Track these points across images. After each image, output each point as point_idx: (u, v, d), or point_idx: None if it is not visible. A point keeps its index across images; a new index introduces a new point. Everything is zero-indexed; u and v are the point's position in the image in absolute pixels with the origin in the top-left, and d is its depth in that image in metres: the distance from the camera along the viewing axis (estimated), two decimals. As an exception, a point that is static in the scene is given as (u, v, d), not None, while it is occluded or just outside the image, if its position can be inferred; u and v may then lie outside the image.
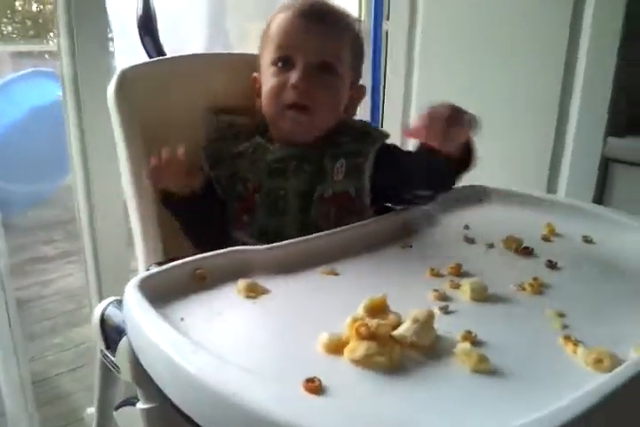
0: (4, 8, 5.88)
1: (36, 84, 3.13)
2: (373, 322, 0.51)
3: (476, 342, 0.53)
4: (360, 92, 0.94)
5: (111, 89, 0.81)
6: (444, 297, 0.62)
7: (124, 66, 0.82)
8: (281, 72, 0.84)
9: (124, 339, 0.63)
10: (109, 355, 0.67)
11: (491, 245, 0.77)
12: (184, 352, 0.48)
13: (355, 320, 0.51)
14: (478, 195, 0.94)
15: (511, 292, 0.65)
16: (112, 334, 0.67)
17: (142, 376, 0.56)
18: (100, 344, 0.69)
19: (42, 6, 6.07)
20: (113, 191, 1.21)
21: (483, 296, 0.62)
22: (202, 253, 0.66)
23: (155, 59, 0.92)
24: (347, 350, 0.50)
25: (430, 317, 0.53)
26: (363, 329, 0.50)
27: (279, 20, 0.86)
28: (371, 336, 0.50)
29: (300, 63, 0.83)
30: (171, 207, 0.84)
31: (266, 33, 0.88)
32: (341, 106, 0.88)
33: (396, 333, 0.51)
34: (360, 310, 0.54)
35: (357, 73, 0.91)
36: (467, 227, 0.83)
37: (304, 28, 0.84)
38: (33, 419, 1.34)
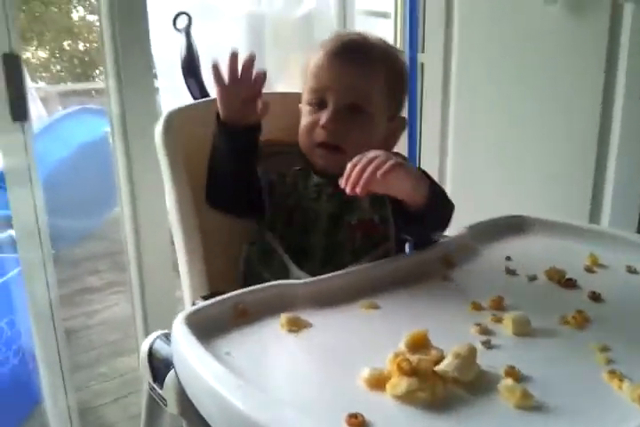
0: (52, 48, 6.19)
1: (84, 122, 3.26)
2: (415, 357, 0.51)
3: (519, 378, 0.53)
4: (400, 123, 0.95)
5: (158, 130, 0.85)
6: (486, 331, 0.62)
7: (171, 108, 0.86)
8: (314, 111, 0.87)
9: (172, 372, 0.65)
10: (156, 388, 0.69)
11: (533, 277, 0.77)
12: (231, 387, 0.49)
13: (396, 355, 0.52)
14: (519, 225, 0.94)
15: (554, 325, 0.64)
16: (159, 367, 0.69)
17: (189, 409, 0.58)
18: (148, 377, 0.71)
19: (88, 45, 6.37)
20: (159, 223, 1.25)
21: (525, 330, 0.62)
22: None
23: (200, 100, 0.95)
24: (389, 386, 0.50)
25: (473, 352, 0.53)
26: (404, 364, 0.50)
27: (314, 61, 0.88)
28: (413, 372, 0.50)
29: (331, 104, 0.85)
30: (224, 137, 0.83)
31: (304, 71, 0.91)
32: (376, 141, 0.89)
33: (438, 368, 0.52)
34: (401, 345, 0.55)
35: (397, 105, 0.93)
36: (508, 258, 0.83)
37: (335, 69, 0.85)
38: None
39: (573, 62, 1.35)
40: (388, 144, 0.92)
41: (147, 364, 0.70)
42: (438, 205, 0.79)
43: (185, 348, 0.57)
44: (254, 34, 1.85)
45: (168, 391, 0.66)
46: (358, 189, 0.69)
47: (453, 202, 0.85)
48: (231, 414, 0.48)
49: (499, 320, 0.64)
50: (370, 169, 0.69)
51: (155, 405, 0.73)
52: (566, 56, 1.36)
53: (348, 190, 0.70)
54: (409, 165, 0.77)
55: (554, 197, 1.40)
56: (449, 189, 1.54)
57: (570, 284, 0.75)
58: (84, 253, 3.15)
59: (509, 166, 1.50)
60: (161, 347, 0.70)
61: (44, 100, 4.03)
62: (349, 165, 0.71)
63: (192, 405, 0.56)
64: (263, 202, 0.89)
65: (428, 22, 1.64)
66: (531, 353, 0.59)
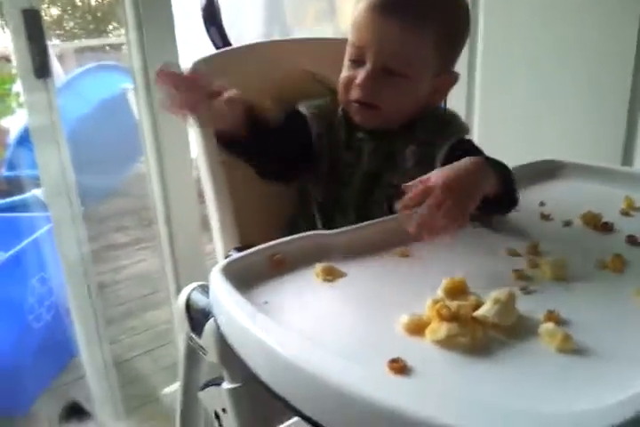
0: (64, 4, 6.08)
1: (101, 78, 3.23)
2: (454, 303, 0.51)
3: (559, 322, 0.53)
4: (449, 79, 0.87)
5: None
6: (523, 277, 0.62)
7: (197, 57, 0.84)
8: (352, 67, 0.83)
9: (211, 321, 0.66)
10: (195, 337, 0.71)
11: (568, 222, 0.76)
12: (274, 335, 0.50)
13: (435, 302, 0.52)
14: (552, 170, 0.92)
15: (592, 270, 0.63)
16: (197, 317, 0.71)
17: (229, 357, 0.59)
18: (186, 327, 0.73)
19: (100, 0, 6.24)
20: (186, 178, 1.25)
21: (563, 275, 0.61)
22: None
23: (225, 49, 0.93)
24: (428, 331, 0.51)
25: (511, 297, 0.53)
26: (444, 310, 0.50)
27: (357, 13, 0.83)
28: (452, 317, 0.50)
29: (368, 64, 0.81)
30: (229, 148, 0.80)
31: (351, 22, 0.85)
32: (414, 99, 0.84)
33: (477, 313, 0.52)
34: (439, 292, 0.55)
35: (447, 60, 0.85)
36: (542, 203, 0.81)
37: (374, 28, 0.80)
38: (116, 400, 1.41)
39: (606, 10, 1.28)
40: (432, 99, 0.86)
41: (184, 314, 0.72)
42: (508, 183, 0.74)
43: (224, 296, 0.58)
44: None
45: (207, 340, 0.68)
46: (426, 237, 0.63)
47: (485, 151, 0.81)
48: (275, 360, 0.49)
49: (535, 266, 0.64)
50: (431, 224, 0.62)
51: (193, 354, 0.76)
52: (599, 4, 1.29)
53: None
54: (464, 167, 0.68)
55: (585, 140, 1.37)
56: (476, 136, 1.52)
57: (606, 228, 0.73)
58: (108, 210, 3.18)
59: (539, 110, 1.46)
60: (198, 298, 0.71)
61: (60, 58, 3.99)
62: (401, 206, 0.65)
63: (232, 352, 0.57)
64: (310, 163, 0.86)
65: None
66: (570, 298, 0.58)
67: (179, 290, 1.30)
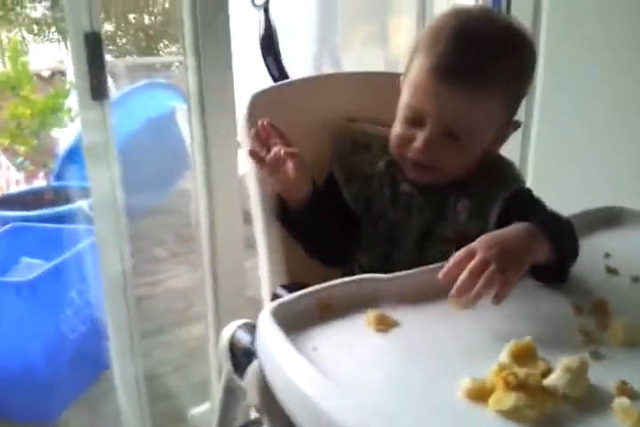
0: (119, 21, 6.28)
1: (151, 96, 3.29)
2: (522, 371, 0.47)
3: (633, 395, 0.49)
4: (511, 128, 0.82)
5: (242, 114, 0.83)
6: (592, 339, 0.57)
7: (256, 90, 0.83)
8: (408, 126, 0.78)
9: (255, 364, 0.63)
10: (236, 378, 0.68)
11: (636, 278, 0.71)
12: (322, 393, 0.47)
13: (501, 368, 0.48)
14: (616, 218, 0.87)
15: (668, 335, 0.59)
16: (240, 357, 0.68)
17: (270, 403, 0.57)
18: (228, 366, 0.70)
19: (153, 18, 6.44)
20: (232, 201, 1.25)
21: (636, 340, 0.57)
22: (331, 271, 0.66)
23: (283, 82, 0.92)
24: (493, 401, 0.47)
25: (584, 366, 0.49)
26: (511, 378, 0.47)
27: (418, 72, 0.76)
28: (520, 386, 0.46)
29: (428, 128, 0.75)
30: (286, 222, 0.82)
31: (409, 80, 0.78)
32: (475, 158, 0.80)
33: (547, 383, 0.48)
34: (505, 356, 0.51)
35: (512, 114, 0.81)
36: (607, 255, 0.77)
37: (441, 93, 0.74)
38: (145, 416, 1.39)
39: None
40: (491, 149, 0.82)
41: (228, 353, 0.69)
42: (566, 250, 0.69)
43: (272, 342, 0.55)
44: (326, 9, 1.80)
45: (249, 382, 0.65)
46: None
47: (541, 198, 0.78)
48: (317, 415, 0.47)
49: (604, 327, 0.59)
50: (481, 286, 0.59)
51: (232, 394, 0.73)
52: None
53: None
54: (513, 236, 0.65)
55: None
56: (530, 177, 1.45)
57: (680, 288, 0.68)
58: (151, 225, 3.23)
59: (602, 151, 1.39)
60: (242, 337, 0.69)
61: (112, 74, 4.10)
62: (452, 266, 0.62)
63: (273, 398, 0.54)
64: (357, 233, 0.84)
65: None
66: (644, 367, 0.54)
67: (217, 307, 1.32)
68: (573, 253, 0.71)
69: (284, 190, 0.79)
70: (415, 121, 0.77)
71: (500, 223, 0.76)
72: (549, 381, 0.48)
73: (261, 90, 0.85)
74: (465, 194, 0.81)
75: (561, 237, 0.68)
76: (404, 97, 0.79)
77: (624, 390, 0.49)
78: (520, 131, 1.49)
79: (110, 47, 6.24)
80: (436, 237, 0.81)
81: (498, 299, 0.59)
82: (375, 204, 0.83)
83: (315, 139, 0.88)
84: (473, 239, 0.72)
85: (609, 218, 0.87)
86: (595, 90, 1.40)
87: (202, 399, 1.55)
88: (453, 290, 0.60)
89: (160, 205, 3.31)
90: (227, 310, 1.33)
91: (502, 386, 0.47)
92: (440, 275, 0.61)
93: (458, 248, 0.64)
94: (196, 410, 1.52)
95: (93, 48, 1.03)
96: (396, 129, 0.80)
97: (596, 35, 1.39)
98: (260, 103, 0.82)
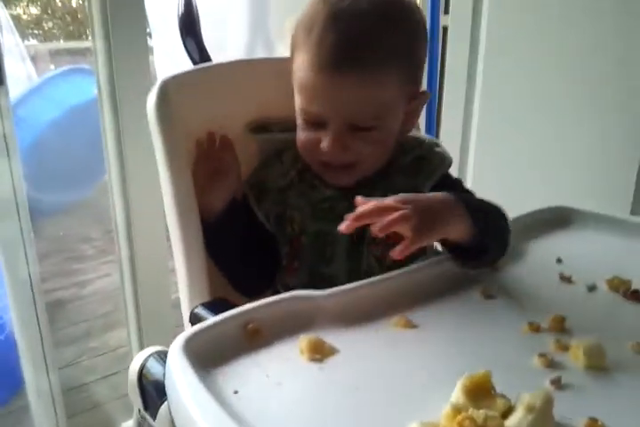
0: (44, 4, 5.91)
1: (75, 82, 3.09)
2: (480, 414, 0.40)
3: (604, 433, 0.42)
4: (420, 102, 0.76)
5: (151, 102, 0.71)
6: (552, 364, 0.51)
7: (166, 75, 0.72)
8: (312, 129, 0.71)
9: (166, 405, 0.54)
10: (148, 418, 0.58)
11: (592, 287, 0.65)
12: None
13: (455, 410, 0.41)
14: (566, 219, 0.82)
15: (631, 354, 0.53)
16: (151, 392, 0.58)
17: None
18: (138, 403, 0.60)
19: (81, 2, 6.10)
20: (150, 193, 1.15)
21: (601, 363, 0.51)
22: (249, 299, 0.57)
23: (198, 66, 0.81)
24: (447, 451, 0.39)
25: (549, 402, 0.42)
26: (467, 424, 0.39)
27: (301, 72, 0.68)
28: (478, 433, 0.39)
29: (331, 125, 0.68)
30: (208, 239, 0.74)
31: (295, 80, 0.71)
32: (391, 141, 0.73)
33: (508, 426, 0.40)
34: (458, 393, 0.43)
35: (414, 89, 0.74)
36: (559, 260, 0.71)
37: (331, 89, 0.66)
38: None
39: (620, 26, 1.19)
40: (405, 126, 0.75)
41: (136, 388, 0.59)
42: (490, 231, 0.65)
43: (182, 383, 0.46)
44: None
45: (162, 425, 0.55)
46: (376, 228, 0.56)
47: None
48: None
49: (564, 348, 0.53)
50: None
51: (146, 432, 0.63)
52: (613, 19, 1.20)
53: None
54: (425, 199, 0.62)
55: (591, 185, 1.27)
56: (471, 177, 1.42)
57: (637, 297, 0.63)
58: (75, 220, 3.05)
59: (540, 148, 1.36)
60: (154, 368, 0.59)
61: (35, 59, 3.85)
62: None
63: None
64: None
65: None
66: (611, 396, 0.48)
67: (137, 309, 1.22)
68: (500, 239, 0.67)
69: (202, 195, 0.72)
70: (315, 123, 0.70)
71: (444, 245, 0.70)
72: (510, 423, 0.41)
73: (173, 74, 0.74)
74: (389, 189, 0.71)
75: (485, 217, 0.65)
76: (297, 100, 0.71)
77: (593, 427, 0.42)
78: (461, 115, 1.47)
79: (35, 31, 5.87)
80: (367, 240, 0.73)
81: (400, 251, 0.55)
82: (293, 220, 0.75)
83: (237, 130, 0.78)
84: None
85: (556, 219, 0.82)
86: (534, 89, 1.37)
87: (132, 412, 1.45)
88: (352, 215, 0.55)
89: (86, 199, 3.12)
90: (150, 314, 1.25)
91: (458, 434, 0.39)
92: (348, 220, 0.56)
93: (392, 246, 0.57)
94: (127, 424, 1.42)
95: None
96: (300, 135, 0.72)
97: (535, 34, 1.35)
98: (171, 90, 0.71)
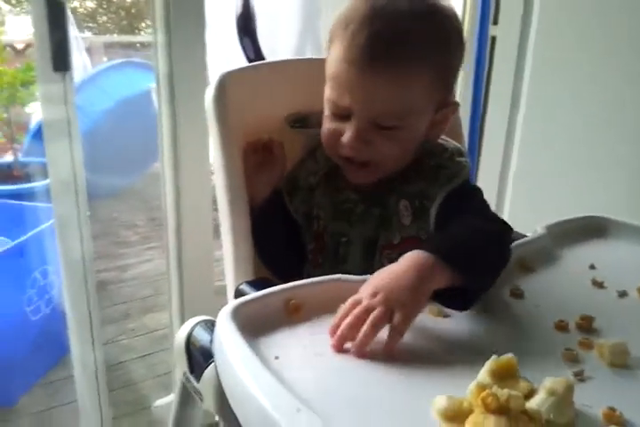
0: (100, -2, 6.11)
1: (127, 75, 3.21)
2: (504, 393, 0.43)
3: (621, 423, 0.45)
4: (450, 111, 0.77)
5: (209, 95, 0.77)
6: (576, 359, 0.53)
7: (225, 70, 0.78)
8: (337, 121, 0.72)
9: (212, 367, 0.58)
10: (192, 380, 0.63)
11: (623, 293, 0.67)
12: (284, 409, 0.42)
13: (480, 387, 0.44)
14: (603, 228, 0.84)
15: (654, 355, 0.55)
16: (197, 357, 0.63)
17: (227, 410, 0.51)
18: (183, 366, 0.65)
19: (141, -2, 6.27)
20: (201, 185, 1.20)
21: (623, 362, 0.53)
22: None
23: (257, 63, 0.86)
24: (470, 423, 0.42)
25: (570, 389, 0.45)
26: (491, 401, 0.42)
27: (335, 63, 0.70)
28: (500, 409, 0.42)
29: (355, 120, 0.70)
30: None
31: (327, 71, 0.73)
32: (413, 145, 0.75)
33: (529, 407, 0.43)
34: (485, 374, 0.46)
35: (445, 93, 0.75)
36: (592, 267, 0.73)
37: (361, 84, 0.68)
38: (103, 404, 1.34)
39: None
40: (431, 134, 0.76)
41: (184, 352, 0.64)
42: (476, 271, 0.61)
43: (229, 347, 0.50)
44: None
45: (206, 387, 0.60)
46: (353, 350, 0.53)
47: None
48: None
49: (589, 346, 0.55)
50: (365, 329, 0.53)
51: (188, 395, 0.68)
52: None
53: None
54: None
55: (627, 199, 1.27)
56: (511, 184, 1.42)
57: (667, 305, 0.65)
58: (122, 206, 3.15)
59: (587, 160, 1.37)
60: (201, 335, 0.63)
61: (89, 51, 3.99)
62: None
63: (231, 408, 0.49)
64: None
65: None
66: (631, 391, 0.50)
67: (181, 294, 1.28)
68: (490, 269, 0.64)
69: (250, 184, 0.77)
70: (341, 115, 0.72)
71: (438, 222, 0.72)
72: (532, 404, 0.44)
73: (231, 70, 0.79)
74: (404, 194, 0.75)
75: (469, 258, 0.61)
76: (326, 91, 0.73)
77: (612, 417, 0.45)
78: (505, 123, 1.48)
79: (90, 24, 6.08)
80: (381, 244, 0.76)
81: (388, 346, 0.53)
82: (319, 218, 0.79)
83: (279, 127, 0.83)
84: (419, 242, 0.69)
85: (593, 228, 0.84)
86: (579, 101, 1.38)
87: (167, 391, 1.51)
88: (333, 341, 0.53)
89: (133, 187, 3.23)
90: (193, 299, 1.29)
91: (481, 408, 0.42)
92: (329, 331, 0.54)
93: (403, 253, 0.59)
94: (160, 402, 1.48)
95: (55, 16, 0.97)
96: (325, 125, 0.75)
97: (582, 45, 1.36)
98: (229, 85, 0.76)
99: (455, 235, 0.65)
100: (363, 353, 0.52)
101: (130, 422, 1.52)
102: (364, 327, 0.52)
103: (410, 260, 0.58)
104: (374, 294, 0.55)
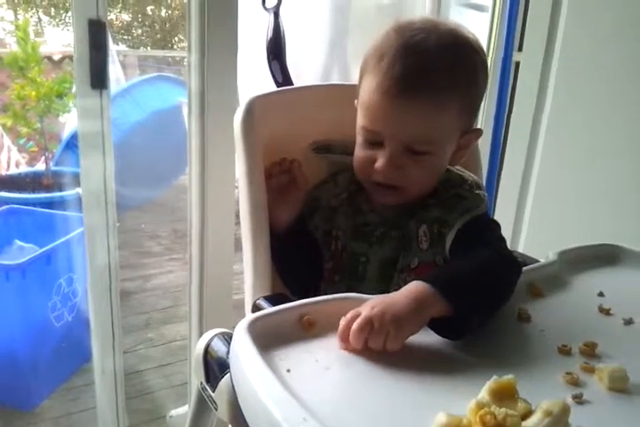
0: (135, 12, 6.28)
1: (159, 88, 3.29)
2: (501, 411, 0.45)
3: (615, 446, 0.47)
4: (473, 137, 0.82)
5: (238, 116, 0.81)
6: (576, 382, 0.55)
7: (254, 94, 0.82)
8: (368, 147, 0.77)
9: (227, 378, 0.62)
10: (208, 388, 0.66)
11: (629, 321, 0.69)
12: (292, 419, 0.45)
13: (479, 406, 0.46)
14: (613, 256, 0.85)
15: (655, 384, 0.57)
16: (214, 367, 0.66)
17: (241, 420, 0.54)
18: (201, 376, 0.68)
19: (170, 11, 6.43)
20: (225, 199, 1.23)
21: (623, 387, 0.55)
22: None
23: (285, 88, 0.91)
24: (468, 440, 0.45)
25: (566, 410, 0.47)
26: (488, 418, 0.45)
27: (367, 94, 0.74)
28: (497, 427, 0.44)
29: (388, 146, 0.74)
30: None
31: (360, 101, 0.77)
32: (440, 170, 0.79)
33: (526, 426, 0.46)
34: (484, 393, 0.49)
35: (470, 121, 0.80)
36: (601, 294, 0.75)
37: (393, 112, 0.72)
38: (121, 412, 1.37)
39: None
40: (454, 158, 0.80)
41: (201, 362, 0.67)
42: (471, 306, 0.63)
43: (244, 358, 0.53)
44: (339, 17, 1.79)
45: (221, 396, 0.63)
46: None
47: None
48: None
49: (590, 370, 0.57)
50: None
51: (204, 404, 0.71)
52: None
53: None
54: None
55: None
56: (530, 207, 1.43)
57: (672, 334, 0.66)
58: (147, 217, 3.21)
59: (606, 187, 1.37)
60: (218, 347, 0.67)
61: (123, 64, 4.09)
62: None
63: (244, 417, 0.52)
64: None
65: (530, 18, 1.52)
66: (629, 416, 0.52)
67: (201, 308, 1.30)
68: (486, 304, 0.66)
69: (274, 207, 0.80)
70: (374, 142, 0.76)
71: (453, 249, 0.75)
72: (528, 424, 0.46)
73: (260, 94, 0.83)
74: (424, 219, 0.79)
75: (467, 292, 0.63)
76: (359, 120, 0.78)
77: (605, 440, 0.47)
78: (525, 149, 1.49)
79: (125, 37, 6.25)
80: (399, 266, 0.79)
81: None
82: (338, 238, 0.82)
83: (303, 151, 0.87)
84: (435, 267, 0.73)
85: (604, 256, 0.86)
86: (603, 116, 1.39)
87: (182, 401, 1.54)
88: (343, 346, 0.58)
89: (159, 199, 3.30)
90: (211, 312, 1.31)
91: (479, 425, 0.45)
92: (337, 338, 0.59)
93: (418, 276, 0.63)
94: (175, 411, 1.50)
95: (96, 36, 1.02)
96: (358, 153, 0.79)
97: (605, 74, 1.38)
98: (257, 108, 0.80)
99: (458, 267, 0.69)
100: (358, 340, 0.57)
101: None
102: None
103: (411, 289, 0.62)
104: (372, 308, 0.59)
